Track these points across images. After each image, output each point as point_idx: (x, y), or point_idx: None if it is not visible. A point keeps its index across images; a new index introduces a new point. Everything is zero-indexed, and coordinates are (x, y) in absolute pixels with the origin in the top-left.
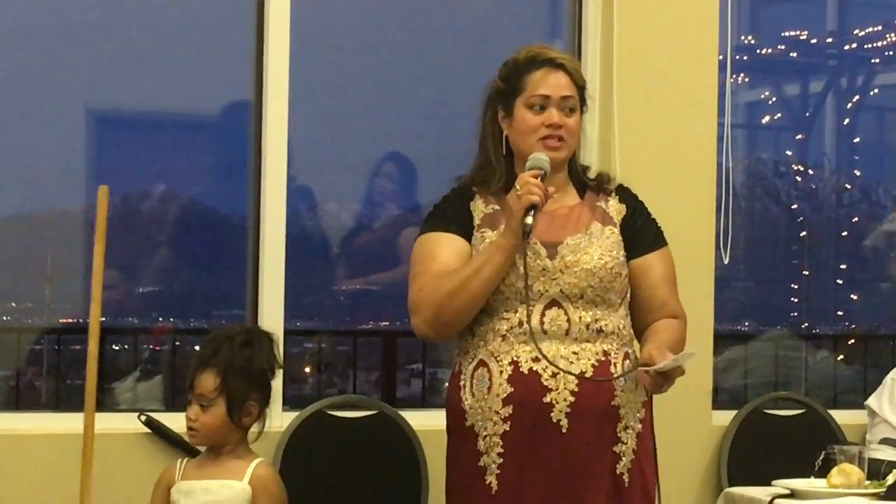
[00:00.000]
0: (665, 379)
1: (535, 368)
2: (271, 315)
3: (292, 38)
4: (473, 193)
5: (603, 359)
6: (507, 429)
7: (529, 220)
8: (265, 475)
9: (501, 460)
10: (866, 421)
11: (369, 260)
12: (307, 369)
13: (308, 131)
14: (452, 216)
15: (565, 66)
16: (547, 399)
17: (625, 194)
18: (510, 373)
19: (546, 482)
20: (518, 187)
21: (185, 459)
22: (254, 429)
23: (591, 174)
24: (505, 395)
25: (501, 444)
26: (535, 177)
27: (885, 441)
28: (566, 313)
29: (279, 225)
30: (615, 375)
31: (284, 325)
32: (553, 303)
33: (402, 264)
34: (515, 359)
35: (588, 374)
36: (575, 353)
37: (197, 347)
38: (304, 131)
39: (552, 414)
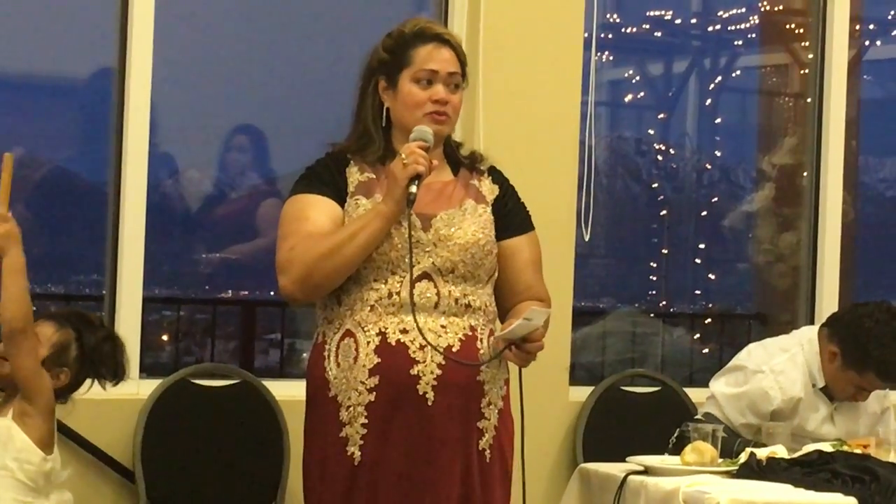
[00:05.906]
0: (525, 353)
1: (402, 340)
2: (130, 282)
3: (157, 5)
4: (349, 160)
5: (470, 333)
6: (372, 399)
7: (414, 188)
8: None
9: (365, 431)
10: None
11: (229, 229)
12: (165, 337)
13: (171, 98)
14: (327, 180)
15: (451, 42)
16: (414, 371)
17: (498, 176)
18: (377, 343)
19: (407, 454)
20: (404, 156)
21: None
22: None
23: (464, 152)
24: (371, 365)
25: (366, 414)
26: (421, 148)
27: (707, 416)
28: (436, 286)
29: (140, 192)
30: (483, 360)
31: (143, 292)
32: (424, 275)
33: (260, 235)
34: (383, 330)
35: (455, 349)
36: (443, 326)
37: None
38: (167, 98)
39: (418, 386)
